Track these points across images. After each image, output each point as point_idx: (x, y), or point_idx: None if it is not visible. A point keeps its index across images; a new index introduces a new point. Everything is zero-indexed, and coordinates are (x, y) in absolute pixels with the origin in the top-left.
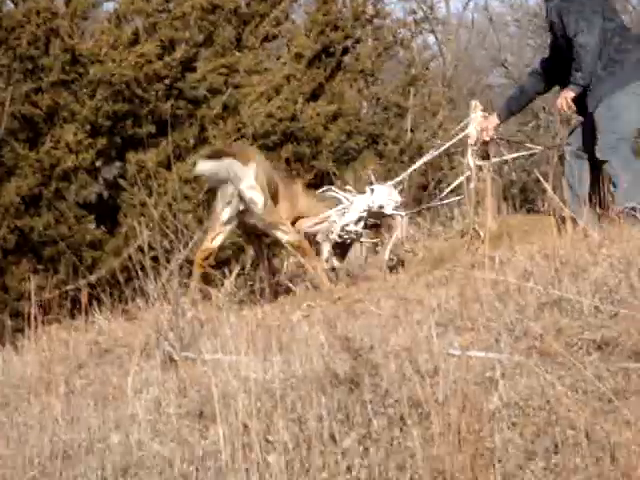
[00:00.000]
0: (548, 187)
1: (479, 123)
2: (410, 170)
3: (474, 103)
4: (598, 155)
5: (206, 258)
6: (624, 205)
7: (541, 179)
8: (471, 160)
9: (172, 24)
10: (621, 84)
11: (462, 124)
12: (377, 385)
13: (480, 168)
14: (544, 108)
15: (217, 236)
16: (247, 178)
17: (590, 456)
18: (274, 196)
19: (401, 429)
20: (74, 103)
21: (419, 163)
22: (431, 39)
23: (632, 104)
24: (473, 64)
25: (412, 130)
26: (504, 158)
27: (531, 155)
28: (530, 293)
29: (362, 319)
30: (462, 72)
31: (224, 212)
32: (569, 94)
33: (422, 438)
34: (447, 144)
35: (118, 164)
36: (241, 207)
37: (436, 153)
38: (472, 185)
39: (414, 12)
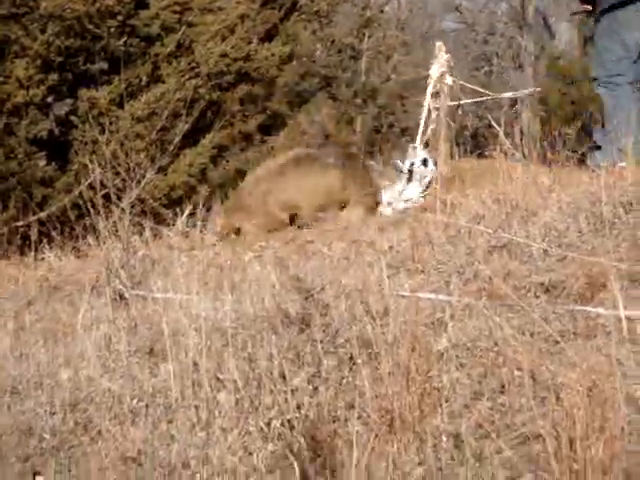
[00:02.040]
0: (500, 132)
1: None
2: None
3: (439, 45)
4: None
5: None
6: None
7: (494, 124)
8: (432, 102)
9: None
10: None
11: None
12: (327, 325)
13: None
14: (497, 54)
15: None
16: None
17: (535, 396)
18: None
19: (350, 368)
20: (25, 37)
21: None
22: None
23: None
24: (427, 8)
25: (366, 73)
26: (462, 102)
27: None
28: (480, 236)
29: (314, 260)
30: (416, 16)
31: None
32: None
33: (371, 377)
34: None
35: (69, 101)
36: None
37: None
38: (430, 127)
39: None
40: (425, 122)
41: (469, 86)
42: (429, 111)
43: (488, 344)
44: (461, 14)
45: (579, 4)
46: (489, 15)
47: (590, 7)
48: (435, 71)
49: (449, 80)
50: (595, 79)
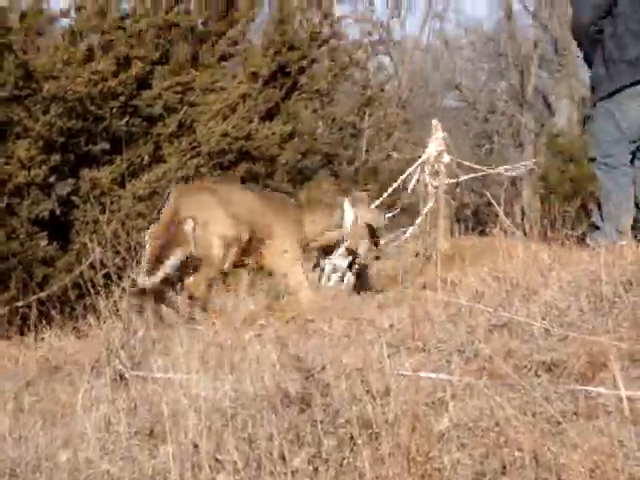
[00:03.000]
0: (499, 210)
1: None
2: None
3: (435, 123)
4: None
5: None
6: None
7: (492, 202)
8: (428, 180)
9: (128, 41)
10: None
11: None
12: (328, 405)
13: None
14: (497, 132)
15: None
16: None
17: (537, 478)
18: None
19: (351, 449)
20: (27, 119)
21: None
22: (387, 61)
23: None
24: (428, 86)
25: (367, 151)
26: (459, 180)
27: (483, 178)
28: (481, 315)
29: (314, 339)
30: (417, 94)
31: None
32: None
33: (372, 458)
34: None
35: (71, 181)
36: None
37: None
38: (429, 205)
39: (370, 34)
40: (425, 201)
41: (466, 163)
42: (427, 190)
43: (489, 424)
44: (461, 93)
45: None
46: (489, 93)
47: None
48: (432, 149)
49: (447, 158)
50: (593, 159)
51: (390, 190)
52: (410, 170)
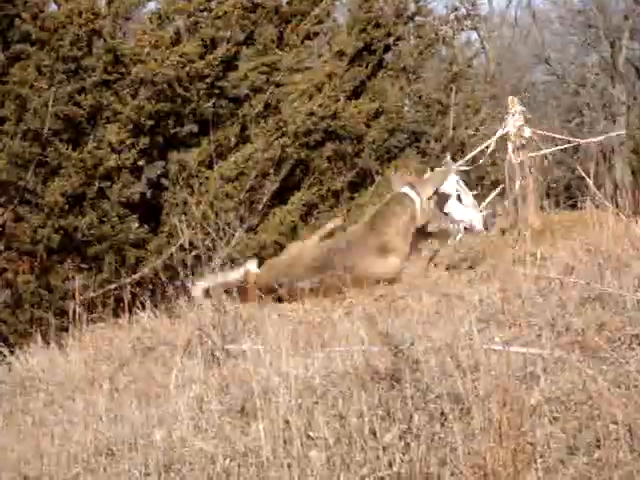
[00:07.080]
0: (590, 183)
1: None
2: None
3: (511, 98)
4: None
5: None
6: None
7: (584, 175)
8: (513, 157)
9: (213, 23)
10: None
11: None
12: (418, 380)
13: (522, 164)
14: (588, 105)
15: None
16: None
17: (632, 451)
18: None
19: (442, 424)
20: (116, 103)
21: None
22: (474, 36)
23: None
24: (516, 61)
25: (454, 127)
26: (542, 152)
27: (575, 152)
28: (572, 288)
29: (403, 315)
30: (505, 69)
31: None
32: None
33: (463, 433)
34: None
35: (160, 163)
36: None
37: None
38: (517, 182)
39: (456, 9)
40: (510, 177)
41: (550, 135)
42: (512, 166)
43: (582, 398)
44: (551, 66)
45: None
46: (579, 67)
47: None
48: (511, 126)
49: (527, 132)
50: None
51: (468, 157)
52: (485, 144)
